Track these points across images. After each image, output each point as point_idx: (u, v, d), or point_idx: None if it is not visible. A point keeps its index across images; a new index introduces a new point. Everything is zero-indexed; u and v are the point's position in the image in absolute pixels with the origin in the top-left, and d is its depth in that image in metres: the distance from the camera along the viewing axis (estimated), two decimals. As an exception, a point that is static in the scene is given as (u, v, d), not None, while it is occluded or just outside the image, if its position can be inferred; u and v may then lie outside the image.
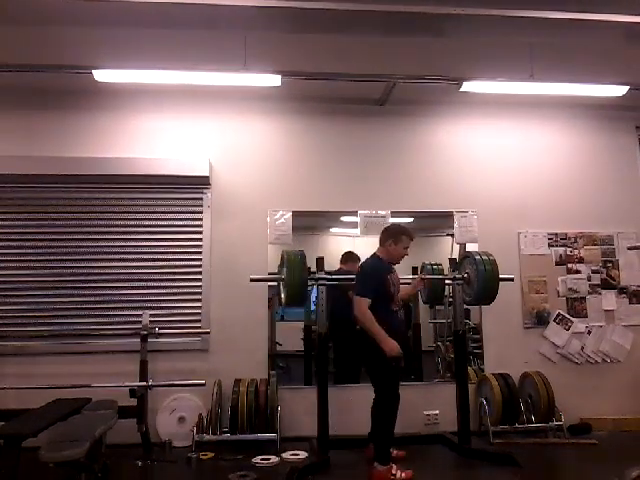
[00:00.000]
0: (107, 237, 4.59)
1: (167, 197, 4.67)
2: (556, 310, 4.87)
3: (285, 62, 4.15)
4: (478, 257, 4.03)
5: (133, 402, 3.99)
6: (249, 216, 4.72)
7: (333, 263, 4.64)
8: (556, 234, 4.98)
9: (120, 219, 4.62)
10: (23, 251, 4.53)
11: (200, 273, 4.62)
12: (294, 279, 3.78)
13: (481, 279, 3.96)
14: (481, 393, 4.60)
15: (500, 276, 4.00)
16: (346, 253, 4.79)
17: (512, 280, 4.25)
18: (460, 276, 4.16)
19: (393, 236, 3.71)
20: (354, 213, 4.83)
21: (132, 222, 4.62)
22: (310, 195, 4.81)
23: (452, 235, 4.92)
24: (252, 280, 4.04)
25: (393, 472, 3.45)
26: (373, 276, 3.60)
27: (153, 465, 3.87)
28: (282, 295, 3.97)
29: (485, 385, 4.57)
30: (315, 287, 4.00)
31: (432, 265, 4.58)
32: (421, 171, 4.96)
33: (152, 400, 4.21)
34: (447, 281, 4.35)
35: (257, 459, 3.84)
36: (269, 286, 4.57)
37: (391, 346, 3.42)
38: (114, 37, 4.23)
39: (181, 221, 4.67)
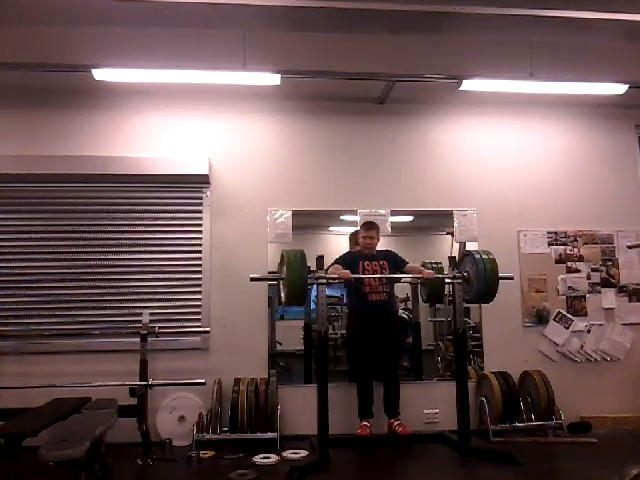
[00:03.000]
0: (106, 236, 4.58)
1: (166, 196, 4.67)
2: (556, 309, 4.87)
3: (284, 61, 4.15)
4: (478, 256, 4.03)
5: (133, 401, 4.00)
6: (249, 215, 4.71)
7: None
8: (556, 233, 4.98)
9: (119, 218, 4.62)
10: (23, 250, 4.52)
11: (200, 272, 4.62)
12: (294, 278, 3.78)
13: (481, 278, 3.96)
14: (481, 392, 4.60)
15: (500, 275, 4.00)
16: (354, 235, 4.78)
17: (512, 279, 4.26)
18: (460, 275, 4.17)
19: (358, 234, 4.55)
20: (354, 212, 4.83)
21: (131, 221, 4.62)
22: (310, 194, 4.81)
23: (452, 234, 4.92)
24: (252, 279, 4.04)
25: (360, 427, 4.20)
26: (342, 258, 4.37)
27: (153, 464, 3.87)
28: (282, 294, 3.97)
29: (485, 384, 4.57)
30: (315, 286, 4.00)
31: (432, 263, 4.58)
32: (421, 170, 4.96)
33: (152, 399, 4.21)
34: (447, 280, 4.34)
35: (257, 458, 3.83)
36: (269, 285, 4.57)
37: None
38: (113, 36, 4.23)
39: (181, 220, 4.66)
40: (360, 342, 4.32)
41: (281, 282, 3.97)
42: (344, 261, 4.31)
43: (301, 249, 3.93)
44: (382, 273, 4.33)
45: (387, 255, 4.46)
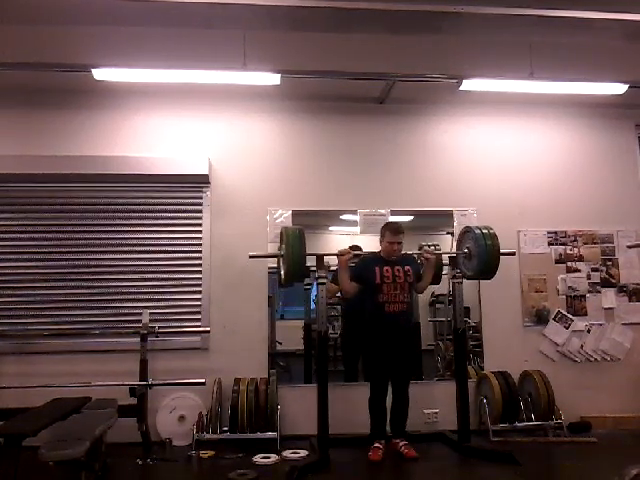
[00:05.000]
0: (106, 236, 4.58)
1: (167, 196, 4.66)
2: (556, 308, 4.87)
3: (284, 61, 4.15)
4: (478, 231, 4.02)
5: (133, 401, 4.00)
6: (249, 215, 4.71)
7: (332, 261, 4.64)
8: (556, 232, 4.98)
9: (119, 218, 4.62)
10: (23, 250, 4.52)
11: (200, 272, 4.62)
12: (293, 254, 3.75)
13: (482, 253, 3.95)
14: (481, 391, 4.60)
15: (501, 251, 3.99)
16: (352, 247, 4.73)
17: (513, 254, 4.32)
18: (461, 251, 4.17)
19: (381, 232, 4.02)
20: (354, 212, 4.83)
21: (131, 221, 4.62)
22: (310, 194, 4.81)
23: (452, 233, 4.92)
24: (251, 257, 4.01)
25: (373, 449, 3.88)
26: (356, 265, 4.01)
27: (153, 464, 3.87)
28: (282, 273, 3.96)
29: (485, 383, 4.57)
30: (315, 286, 4.00)
31: (429, 245, 4.52)
32: (421, 169, 4.95)
33: (152, 399, 4.21)
34: (448, 277, 4.28)
35: (257, 458, 3.84)
36: (269, 285, 4.58)
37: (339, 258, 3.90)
38: (113, 36, 4.24)
39: (181, 220, 4.67)
40: (376, 357, 3.94)
41: (281, 260, 3.96)
42: (357, 272, 3.95)
43: (300, 226, 3.96)
44: (406, 281, 3.91)
45: (410, 260, 4.06)
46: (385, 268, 3.91)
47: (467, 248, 4.13)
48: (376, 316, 3.91)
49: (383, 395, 3.93)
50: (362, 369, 4.45)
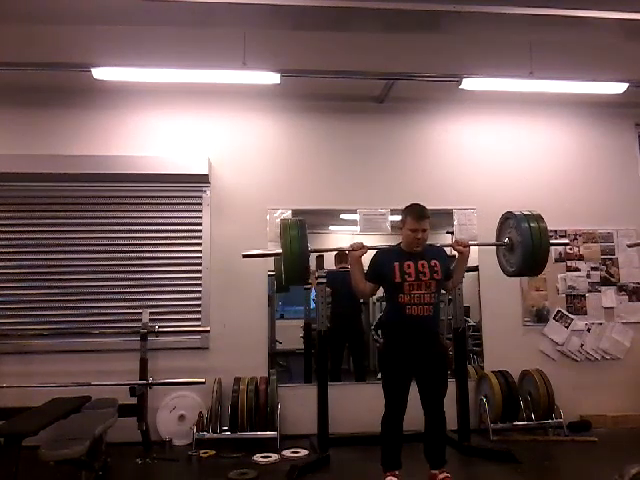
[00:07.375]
0: (105, 236, 4.58)
1: (166, 195, 4.66)
2: (556, 307, 4.87)
3: (284, 60, 4.16)
4: (519, 213, 3.44)
5: (133, 400, 4.00)
6: (249, 214, 4.71)
7: (332, 261, 4.65)
8: (555, 231, 4.96)
9: (119, 217, 4.61)
10: (22, 249, 4.52)
11: (200, 272, 4.62)
12: (293, 248, 3.18)
13: (527, 242, 3.33)
14: (481, 390, 4.60)
15: (551, 241, 3.43)
16: (338, 254, 4.72)
17: (567, 244, 3.83)
18: (501, 242, 3.59)
19: (401, 218, 3.31)
20: (354, 211, 4.83)
21: (131, 220, 4.62)
22: (310, 193, 4.81)
23: (452, 233, 4.91)
24: (245, 256, 3.60)
25: None
26: (372, 261, 3.31)
27: (153, 463, 3.87)
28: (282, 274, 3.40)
29: (485, 382, 4.57)
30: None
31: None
32: (420, 168, 4.95)
33: (152, 398, 4.22)
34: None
35: (257, 457, 3.84)
36: (269, 283, 4.58)
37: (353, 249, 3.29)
38: (113, 35, 4.24)
39: (181, 219, 4.66)
40: (395, 368, 3.17)
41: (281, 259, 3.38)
42: (373, 269, 3.25)
43: (302, 218, 3.43)
44: (432, 278, 3.15)
45: (438, 252, 3.36)
46: (407, 263, 3.16)
47: (508, 238, 3.51)
48: (396, 319, 3.19)
49: (400, 414, 3.14)
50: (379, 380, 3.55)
